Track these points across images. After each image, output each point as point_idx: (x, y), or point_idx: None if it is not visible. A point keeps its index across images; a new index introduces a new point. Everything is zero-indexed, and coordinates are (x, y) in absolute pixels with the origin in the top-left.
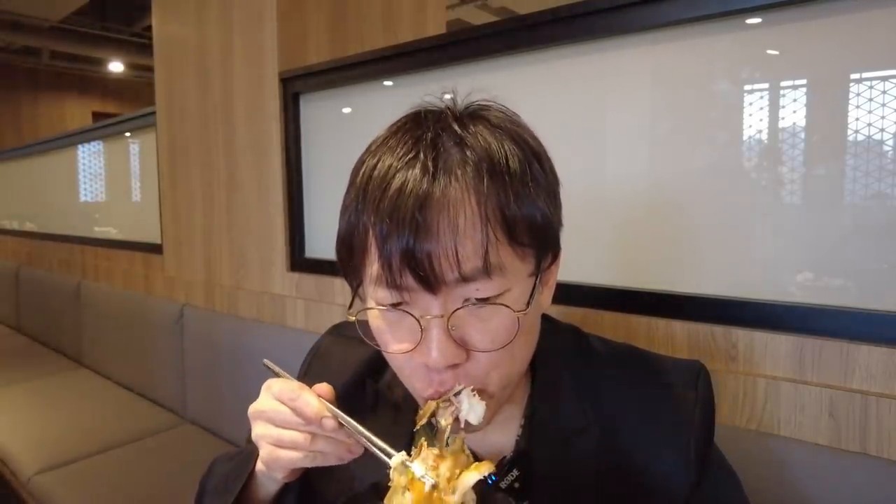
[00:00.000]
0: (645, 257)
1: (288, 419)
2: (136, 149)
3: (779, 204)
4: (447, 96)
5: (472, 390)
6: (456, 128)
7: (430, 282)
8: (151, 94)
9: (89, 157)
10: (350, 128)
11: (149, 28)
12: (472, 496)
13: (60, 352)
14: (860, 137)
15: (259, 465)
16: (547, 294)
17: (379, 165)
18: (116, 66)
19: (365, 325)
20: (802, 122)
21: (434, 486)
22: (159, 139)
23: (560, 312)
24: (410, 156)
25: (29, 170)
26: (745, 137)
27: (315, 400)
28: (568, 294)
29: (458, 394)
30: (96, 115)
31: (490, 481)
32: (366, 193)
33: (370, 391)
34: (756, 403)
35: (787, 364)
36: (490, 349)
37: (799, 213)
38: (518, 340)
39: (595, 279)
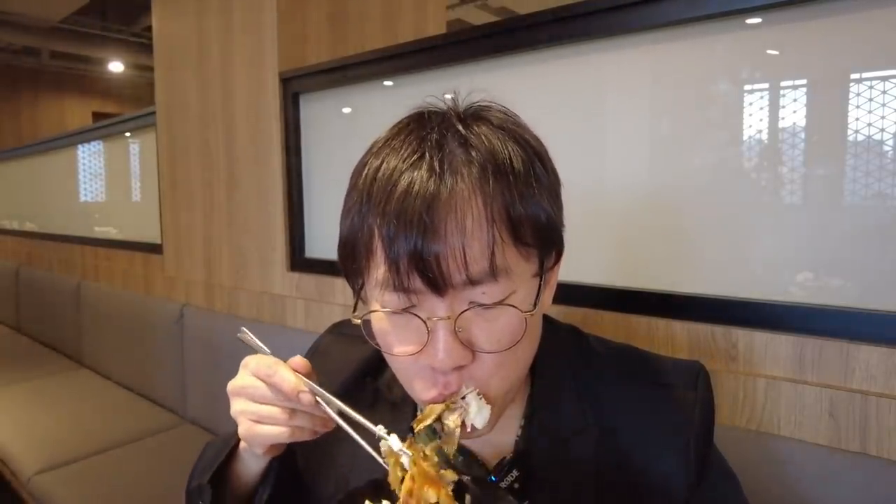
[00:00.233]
0: (645, 257)
1: (266, 395)
2: (136, 149)
3: (779, 204)
4: (447, 96)
5: (478, 393)
6: (460, 128)
7: (438, 284)
8: (151, 94)
9: (89, 157)
10: (350, 128)
11: (149, 28)
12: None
13: (60, 352)
14: (860, 137)
15: (242, 443)
16: (548, 294)
17: (383, 167)
18: (116, 66)
19: (368, 326)
20: (802, 122)
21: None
22: (159, 139)
23: (560, 312)
24: (416, 157)
25: (29, 170)
26: (745, 137)
27: (291, 375)
28: (568, 294)
29: (463, 397)
30: (96, 115)
31: (490, 481)
32: (370, 195)
33: (369, 389)
34: (756, 403)
35: (787, 364)
36: (496, 350)
37: (799, 213)
38: (523, 341)
39: (595, 279)
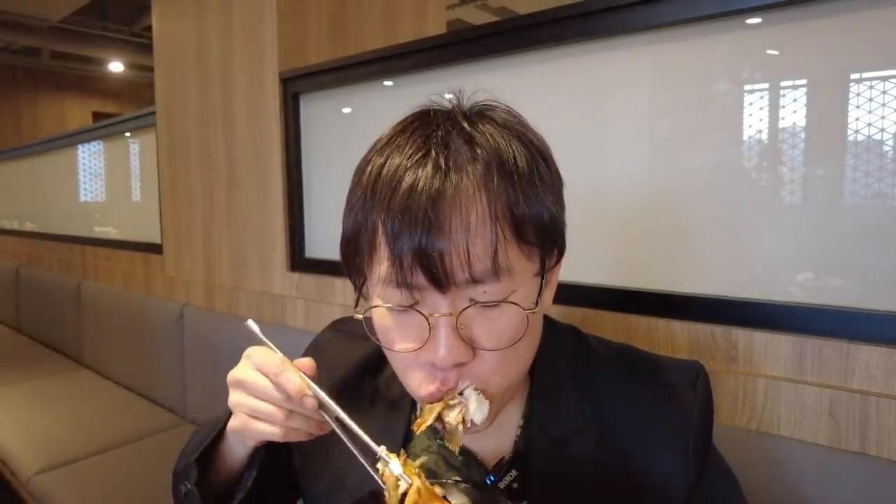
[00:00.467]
0: (645, 257)
1: (268, 393)
2: (136, 149)
3: (779, 204)
4: (448, 95)
5: (476, 388)
6: (465, 126)
7: (441, 281)
8: (151, 94)
9: (89, 157)
10: (350, 128)
11: (149, 28)
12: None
13: (60, 352)
14: (860, 137)
15: (231, 425)
16: (549, 293)
17: (388, 164)
18: (116, 66)
19: (370, 322)
20: (802, 122)
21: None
22: (159, 139)
23: (560, 312)
24: (421, 154)
25: (29, 170)
26: (745, 137)
27: (298, 377)
28: (568, 294)
29: (461, 392)
30: (96, 115)
31: (489, 482)
32: (374, 191)
33: (368, 387)
34: (756, 403)
35: (787, 364)
36: (497, 348)
37: (799, 213)
38: (523, 340)
39: (595, 279)
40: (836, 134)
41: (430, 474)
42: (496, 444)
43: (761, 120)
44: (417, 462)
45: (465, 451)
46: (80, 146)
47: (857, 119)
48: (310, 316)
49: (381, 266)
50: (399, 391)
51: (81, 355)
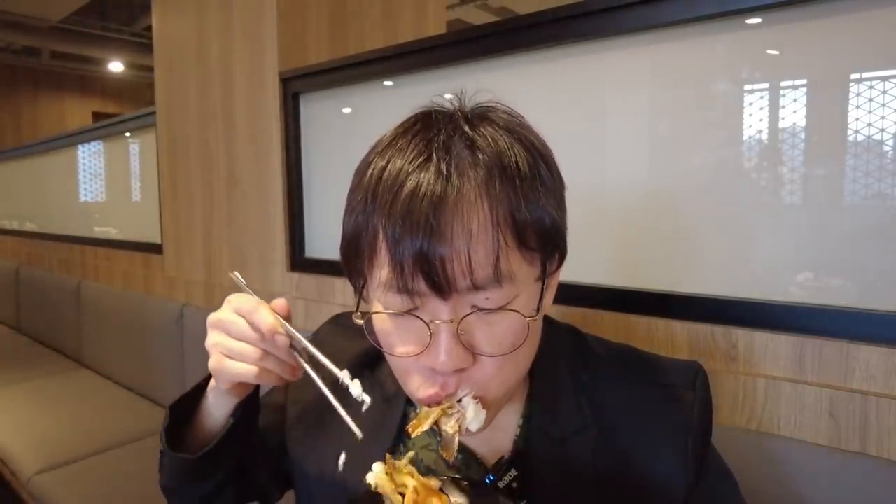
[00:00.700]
0: (645, 257)
1: (243, 331)
2: (136, 149)
3: (779, 204)
4: (447, 96)
5: (475, 396)
6: (466, 129)
7: (442, 287)
8: (151, 94)
9: (89, 157)
10: (350, 128)
11: (149, 28)
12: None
13: (60, 352)
14: (860, 137)
15: (212, 382)
16: (549, 296)
17: (389, 167)
18: (116, 66)
19: (370, 325)
20: (802, 122)
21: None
22: (159, 139)
23: (560, 312)
24: (423, 158)
25: (29, 170)
26: (745, 137)
27: (270, 316)
28: (568, 294)
29: (459, 400)
30: (96, 115)
31: (488, 481)
32: (375, 195)
33: (366, 382)
34: (756, 403)
35: (787, 364)
36: (497, 354)
37: (799, 213)
38: (524, 345)
39: (595, 279)
40: (836, 134)
41: (429, 472)
42: (496, 443)
43: (761, 120)
44: (405, 459)
45: (464, 450)
46: (80, 146)
47: (857, 119)
48: (310, 316)
49: (382, 271)
50: (395, 388)
51: (81, 355)
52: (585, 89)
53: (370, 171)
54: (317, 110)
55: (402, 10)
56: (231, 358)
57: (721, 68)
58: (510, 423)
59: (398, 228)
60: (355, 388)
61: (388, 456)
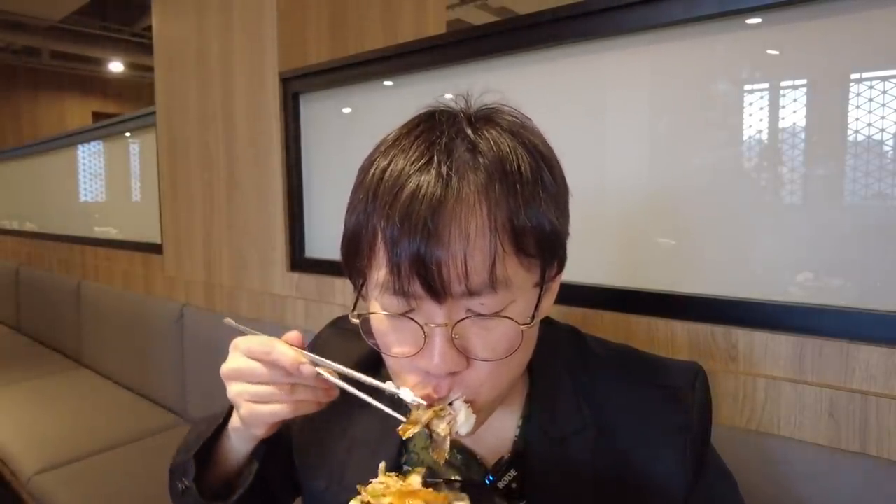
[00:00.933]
0: (645, 257)
1: (263, 374)
2: (136, 149)
3: (779, 204)
4: (448, 96)
5: (465, 401)
6: (469, 132)
7: (438, 291)
8: (151, 94)
9: (89, 157)
10: (350, 128)
11: (149, 28)
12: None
13: (60, 352)
14: (860, 137)
15: (233, 423)
16: (549, 300)
17: (391, 167)
18: (116, 66)
19: (366, 324)
20: (802, 122)
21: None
22: (159, 139)
23: (560, 312)
24: (424, 160)
25: (29, 170)
26: (745, 137)
27: (290, 349)
28: (568, 294)
29: (450, 403)
30: (96, 115)
31: (488, 481)
32: (376, 195)
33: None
34: (756, 403)
35: (787, 364)
36: (491, 359)
37: (799, 213)
38: (518, 351)
39: (595, 279)
40: (836, 134)
41: (430, 473)
42: (495, 443)
43: (761, 120)
44: (414, 473)
45: (464, 450)
46: (80, 146)
47: (857, 119)
48: (310, 316)
49: (380, 272)
50: None
51: (81, 355)
52: (585, 89)
53: (372, 170)
54: (317, 110)
55: (402, 10)
56: (262, 402)
57: (721, 68)
58: (510, 423)
59: (396, 230)
60: (407, 394)
61: (359, 487)
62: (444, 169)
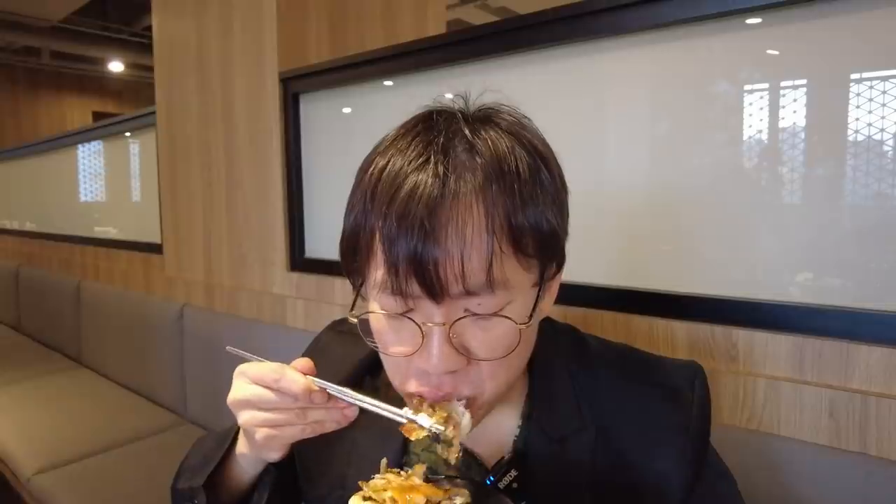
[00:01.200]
0: (645, 257)
1: (275, 401)
2: (136, 149)
3: (779, 204)
4: (448, 95)
5: (464, 404)
6: (467, 132)
7: (435, 291)
8: (151, 94)
9: (89, 157)
10: (350, 128)
11: (149, 28)
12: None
13: (60, 352)
14: (860, 137)
15: (240, 448)
16: (549, 300)
17: (389, 167)
18: (116, 66)
19: (365, 324)
20: (802, 122)
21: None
22: (159, 139)
23: (560, 312)
24: (421, 160)
25: (29, 170)
26: (745, 137)
27: (300, 376)
28: (568, 294)
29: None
30: (96, 115)
31: (488, 481)
32: (374, 194)
33: (368, 387)
34: (756, 403)
35: (787, 364)
36: (490, 358)
37: (799, 213)
38: (516, 350)
39: (595, 279)
40: (836, 134)
41: (431, 472)
42: (495, 443)
43: (761, 120)
44: (417, 470)
45: (464, 451)
46: (80, 146)
47: (857, 119)
48: (310, 316)
49: (378, 271)
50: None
51: (81, 355)
52: (586, 89)
53: (371, 170)
54: (317, 110)
55: (402, 10)
56: (277, 427)
57: (721, 68)
58: (510, 423)
59: (393, 229)
60: (425, 420)
61: (361, 482)
62: (441, 169)
